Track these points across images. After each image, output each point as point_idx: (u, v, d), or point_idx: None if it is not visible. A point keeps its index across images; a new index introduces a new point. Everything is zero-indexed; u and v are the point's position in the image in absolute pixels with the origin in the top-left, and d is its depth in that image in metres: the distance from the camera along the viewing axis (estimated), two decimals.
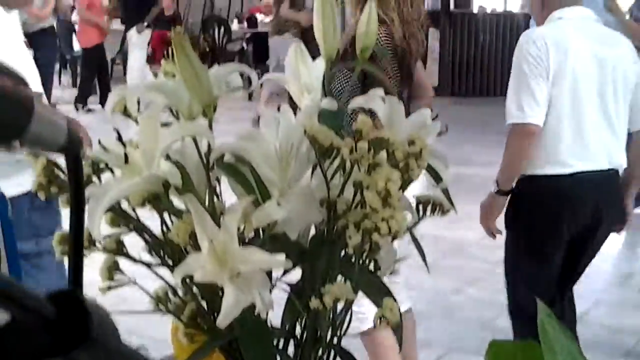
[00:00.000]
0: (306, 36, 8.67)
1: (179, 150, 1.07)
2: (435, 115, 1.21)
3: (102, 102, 10.39)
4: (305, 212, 1.08)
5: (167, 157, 1.02)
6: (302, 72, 1.26)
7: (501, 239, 5.49)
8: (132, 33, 10.14)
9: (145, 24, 10.27)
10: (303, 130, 1.06)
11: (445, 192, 1.21)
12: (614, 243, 5.90)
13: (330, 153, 1.06)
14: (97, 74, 10.31)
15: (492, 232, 3.30)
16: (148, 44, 13.25)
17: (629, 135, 3.16)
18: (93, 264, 1.11)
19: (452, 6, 12.02)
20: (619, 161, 3.08)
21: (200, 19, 14.89)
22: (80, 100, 10.35)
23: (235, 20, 13.77)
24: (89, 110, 10.58)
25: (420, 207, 1.22)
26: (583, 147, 3.01)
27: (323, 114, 1.15)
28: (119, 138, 0.99)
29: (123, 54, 12.38)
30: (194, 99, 0.99)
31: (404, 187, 1.08)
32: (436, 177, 1.18)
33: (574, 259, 3.25)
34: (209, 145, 1.04)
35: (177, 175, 1.02)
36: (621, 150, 3.10)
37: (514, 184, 3.19)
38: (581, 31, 3.02)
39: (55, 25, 9.59)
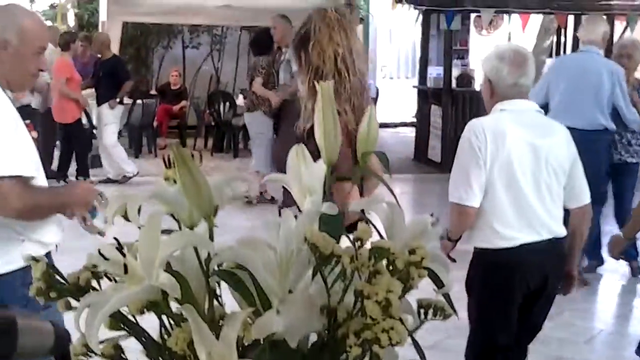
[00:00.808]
0: (277, 114, 8.82)
1: (178, 256, 1.07)
2: (436, 220, 1.21)
3: (79, 174, 10.45)
4: (305, 320, 1.07)
5: (167, 267, 1.02)
6: (303, 174, 1.26)
7: None
8: (104, 109, 10.07)
9: (118, 99, 10.24)
10: (304, 236, 1.06)
11: (447, 296, 1.20)
12: None
13: (330, 260, 1.06)
14: (77, 147, 10.36)
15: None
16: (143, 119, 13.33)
17: (566, 210, 3.57)
18: None
19: (454, 84, 12.16)
20: (558, 231, 3.46)
21: (206, 93, 15.05)
22: (61, 175, 10.34)
23: (241, 96, 13.91)
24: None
25: (422, 311, 1.21)
26: (524, 223, 3.40)
27: (322, 219, 1.14)
28: (119, 247, 0.99)
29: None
30: (194, 208, 1.00)
31: (404, 294, 1.08)
32: (437, 281, 1.17)
33: (526, 319, 3.61)
34: (209, 252, 1.04)
35: (176, 285, 1.01)
36: (559, 223, 3.49)
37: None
38: (519, 122, 3.40)
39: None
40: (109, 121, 10.29)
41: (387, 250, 1.04)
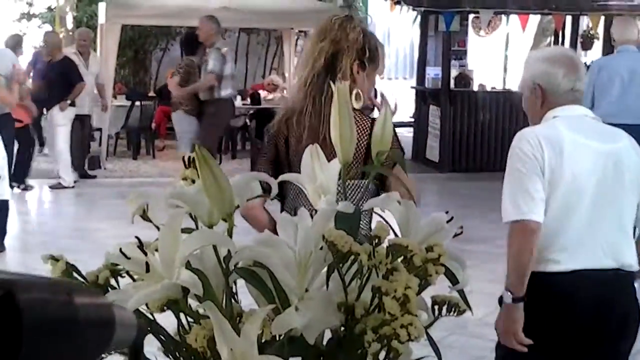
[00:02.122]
0: (199, 113, 8.89)
1: (197, 255, 1.08)
2: (451, 218, 1.22)
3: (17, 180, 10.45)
4: (323, 317, 1.08)
5: (187, 263, 1.03)
6: (317, 174, 1.27)
7: None
8: (55, 112, 9.96)
9: (69, 101, 10.16)
10: (321, 235, 1.07)
11: (462, 293, 1.21)
12: None
13: (348, 258, 1.07)
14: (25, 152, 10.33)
15: (522, 344, 2.86)
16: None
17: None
18: None
19: (452, 85, 12.18)
20: (628, 261, 2.89)
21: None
22: (19, 179, 10.30)
23: (239, 97, 13.92)
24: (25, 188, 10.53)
25: (436, 308, 1.22)
26: (580, 245, 2.86)
27: (339, 218, 1.16)
28: (140, 245, 1.00)
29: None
30: (215, 208, 1.01)
31: (420, 291, 1.09)
32: (453, 279, 1.19)
33: None
34: (228, 250, 1.05)
35: (197, 283, 1.02)
36: (630, 249, 2.92)
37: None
38: (578, 129, 2.95)
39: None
40: (60, 123, 10.14)
41: (405, 247, 1.05)
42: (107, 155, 11.86)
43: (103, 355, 0.59)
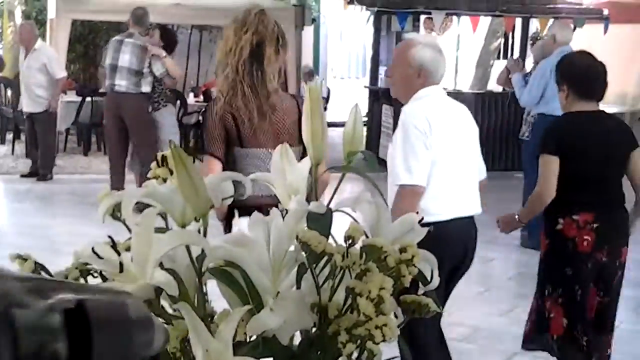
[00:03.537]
0: None
1: (170, 255, 1.07)
2: (421, 219, 1.22)
3: None
4: (296, 317, 1.07)
5: (160, 265, 1.02)
6: (287, 173, 1.27)
7: (457, 317, 5.50)
8: None
9: None
10: (294, 235, 1.07)
11: (432, 293, 1.22)
12: None
13: (321, 258, 1.07)
14: None
15: None
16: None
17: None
18: None
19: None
20: (477, 209, 3.74)
21: None
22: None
23: (191, 94, 13.82)
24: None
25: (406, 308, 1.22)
26: (453, 198, 3.62)
27: (311, 217, 1.15)
28: (113, 245, 0.98)
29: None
30: (190, 207, 1.00)
31: (394, 292, 1.09)
32: (424, 279, 1.19)
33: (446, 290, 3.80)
34: (202, 250, 1.04)
35: (171, 283, 1.01)
36: (476, 199, 3.76)
37: None
38: (442, 105, 3.73)
39: None
40: None
41: (380, 248, 1.05)
42: (57, 152, 11.70)
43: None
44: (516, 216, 4.21)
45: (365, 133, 13.22)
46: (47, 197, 9.76)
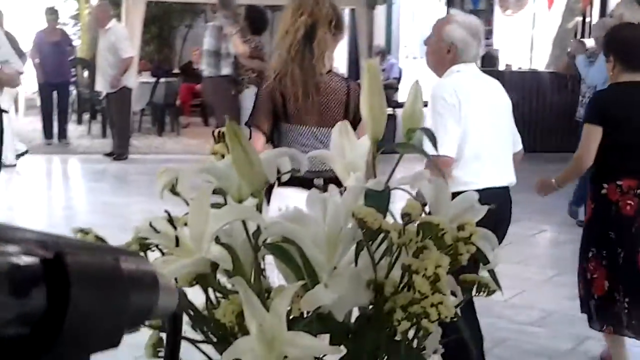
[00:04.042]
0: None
1: (226, 230, 1.07)
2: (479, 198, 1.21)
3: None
4: (352, 294, 1.07)
5: (216, 240, 1.03)
6: (346, 151, 1.26)
7: (530, 300, 5.43)
8: None
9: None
10: (350, 211, 1.06)
11: (492, 273, 1.20)
12: None
13: (377, 235, 1.06)
14: None
15: None
16: (175, 95, 13.36)
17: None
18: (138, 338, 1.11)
19: (478, 64, 12.10)
20: (510, 179, 3.79)
21: None
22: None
23: None
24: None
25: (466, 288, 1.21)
26: (484, 169, 3.66)
27: (368, 195, 1.14)
28: (170, 219, 0.99)
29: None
30: (245, 183, 1.00)
31: (451, 270, 1.08)
32: (483, 258, 1.17)
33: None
34: (257, 226, 1.04)
35: (226, 258, 1.02)
36: (510, 169, 3.81)
37: None
38: (474, 80, 3.81)
39: None
40: None
41: (436, 225, 1.04)
42: (131, 132, 11.91)
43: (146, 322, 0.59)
44: (553, 180, 4.37)
45: None
46: (122, 176, 9.95)
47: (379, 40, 15.19)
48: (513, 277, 5.91)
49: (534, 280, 5.88)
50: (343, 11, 16.08)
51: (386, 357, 1.12)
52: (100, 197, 8.57)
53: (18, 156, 9.90)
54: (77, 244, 0.52)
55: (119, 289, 0.53)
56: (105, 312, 0.52)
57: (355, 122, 2.85)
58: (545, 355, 4.71)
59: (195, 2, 14.47)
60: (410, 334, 1.08)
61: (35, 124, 12.66)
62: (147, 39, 14.69)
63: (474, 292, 1.20)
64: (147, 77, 13.25)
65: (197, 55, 14.13)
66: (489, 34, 14.29)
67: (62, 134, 11.72)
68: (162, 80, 13.14)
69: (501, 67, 12.60)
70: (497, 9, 15.18)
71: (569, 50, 8.71)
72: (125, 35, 10.57)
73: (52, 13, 11.80)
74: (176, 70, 14.96)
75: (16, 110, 14.39)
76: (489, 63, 12.46)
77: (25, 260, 0.48)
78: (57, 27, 12.21)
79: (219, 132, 1.10)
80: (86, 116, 13.64)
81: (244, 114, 8.59)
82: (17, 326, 0.48)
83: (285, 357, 0.97)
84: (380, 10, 13.30)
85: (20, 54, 9.94)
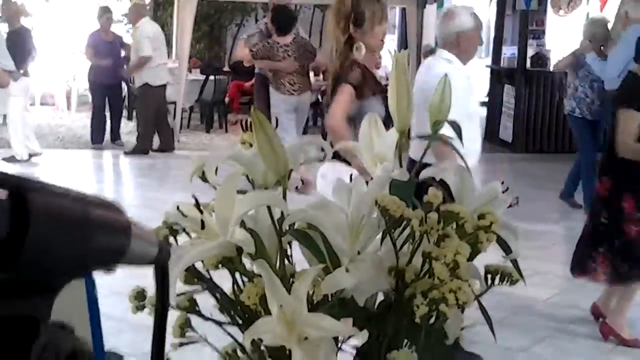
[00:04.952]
0: None
1: (252, 215, 1.11)
2: (506, 189, 1.22)
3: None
4: (373, 279, 1.10)
5: (242, 224, 1.06)
6: (375, 142, 1.29)
7: (572, 299, 5.39)
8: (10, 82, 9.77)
9: (22, 71, 9.96)
10: (374, 200, 1.09)
11: (515, 262, 1.22)
12: None
13: (400, 223, 1.09)
14: None
15: None
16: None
17: None
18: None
19: (528, 64, 12.01)
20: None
21: None
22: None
23: (311, 73, 13.96)
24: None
25: (489, 277, 1.23)
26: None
27: (393, 185, 1.17)
28: (197, 204, 1.03)
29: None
30: (269, 170, 1.03)
31: (472, 258, 1.10)
32: (506, 248, 1.19)
33: None
34: (282, 212, 1.08)
35: (250, 242, 1.05)
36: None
37: None
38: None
39: None
40: (14, 93, 9.88)
41: (457, 214, 1.06)
42: (180, 128, 12.03)
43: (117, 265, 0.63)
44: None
45: (485, 113, 13.07)
46: (169, 172, 10.08)
47: (429, 39, 15.14)
48: (555, 277, 5.89)
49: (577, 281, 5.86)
50: (394, 10, 16.03)
51: (407, 342, 1.15)
52: (149, 192, 8.70)
53: (31, 156, 10.00)
54: (42, 183, 0.56)
55: (81, 227, 0.57)
56: (64, 245, 0.56)
57: None
58: (587, 355, 4.70)
59: (246, 0, 14.59)
60: (431, 320, 1.10)
61: (85, 120, 12.82)
62: (197, 36, 14.84)
63: (497, 281, 1.22)
64: (196, 75, 13.38)
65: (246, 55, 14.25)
66: (540, 34, 14.15)
67: (116, 135, 11.75)
68: (212, 77, 13.27)
69: (551, 67, 12.46)
70: (549, 10, 15.02)
71: (574, 50, 8.67)
72: (145, 34, 10.59)
73: (106, 12, 11.90)
74: (226, 68, 15.07)
75: (68, 106, 14.65)
76: (538, 63, 12.35)
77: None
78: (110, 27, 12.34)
79: (246, 121, 1.13)
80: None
81: (274, 110, 8.65)
82: None
83: (306, 338, 1.01)
84: (430, 10, 13.24)
85: (28, 54, 10.04)
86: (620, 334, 4.76)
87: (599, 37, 8.25)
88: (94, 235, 0.58)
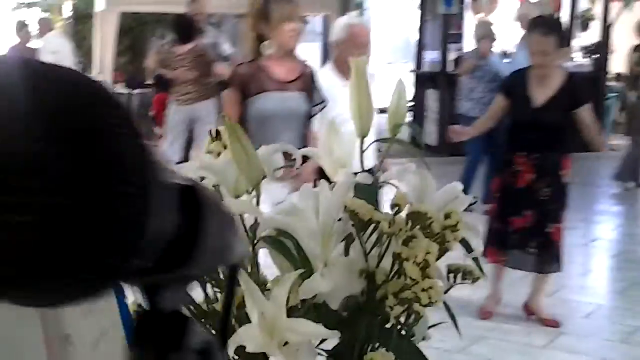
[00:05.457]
0: None
1: None
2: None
3: None
4: (346, 283, 1.12)
5: None
6: (335, 148, 1.31)
7: (504, 299, 5.51)
8: None
9: None
10: (342, 205, 1.12)
11: (476, 260, 1.26)
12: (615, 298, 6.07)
13: (368, 227, 1.11)
14: None
15: None
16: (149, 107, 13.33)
17: None
18: None
19: (448, 68, 12.22)
20: None
21: None
22: None
23: None
24: None
25: (451, 276, 1.26)
26: None
27: (358, 188, 1.20)
28: None
29: None
30: (244, 178, 1.05)
31: (439, 257, 1.14)
32: (468, 247, 1.23)
33: None
34: (255, 220, 1.09)
35: None
36: None
37: None
38: None
39: None
40: None
41: (425, 215, 1.09)
42: None
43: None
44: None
45: (410, 118, 13.23)
46: None
47: None
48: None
49: (589, 271, 6.50)
50: (315, 18, 16.11)
51: (378, 344, 1.17)
52: None
53: None
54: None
55: (232, 220, 0.58)
56: (223, 239, 0.57)
57: None
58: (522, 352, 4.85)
59: (167, 12, 14.48)
60: (402, 319, 1.13)
61: None
62: (120, 50, 14.66)
63: (459, 279, 1.26)
64: (121, 89, 13.23)
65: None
66: (459, 38, 14.40)
67: None
68: (136, 91, 13.13)
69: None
70: (469, 13, 15.29)
71: (469, 51, 9.20)
72: (49, 49, 11.08)
73: (24, 26, 11.79)
74: (150, 82, 14.92)
75: None
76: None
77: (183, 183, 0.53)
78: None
79: (216, 130, 1.15)
80: None
81: None
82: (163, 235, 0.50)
83: (286, 343, 1.02)
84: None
85: None
86: (541, 315, 5.16)
87: (488, 37, 8.82)
88: (236, 229, 0.59)
